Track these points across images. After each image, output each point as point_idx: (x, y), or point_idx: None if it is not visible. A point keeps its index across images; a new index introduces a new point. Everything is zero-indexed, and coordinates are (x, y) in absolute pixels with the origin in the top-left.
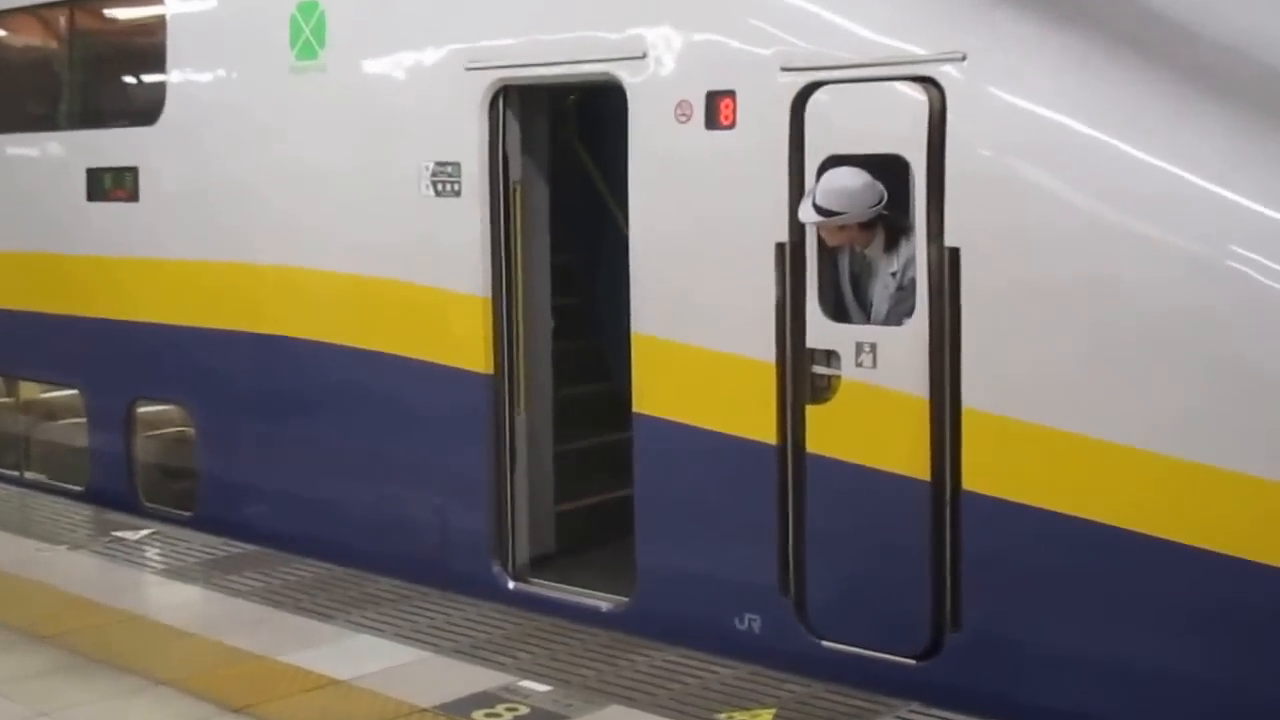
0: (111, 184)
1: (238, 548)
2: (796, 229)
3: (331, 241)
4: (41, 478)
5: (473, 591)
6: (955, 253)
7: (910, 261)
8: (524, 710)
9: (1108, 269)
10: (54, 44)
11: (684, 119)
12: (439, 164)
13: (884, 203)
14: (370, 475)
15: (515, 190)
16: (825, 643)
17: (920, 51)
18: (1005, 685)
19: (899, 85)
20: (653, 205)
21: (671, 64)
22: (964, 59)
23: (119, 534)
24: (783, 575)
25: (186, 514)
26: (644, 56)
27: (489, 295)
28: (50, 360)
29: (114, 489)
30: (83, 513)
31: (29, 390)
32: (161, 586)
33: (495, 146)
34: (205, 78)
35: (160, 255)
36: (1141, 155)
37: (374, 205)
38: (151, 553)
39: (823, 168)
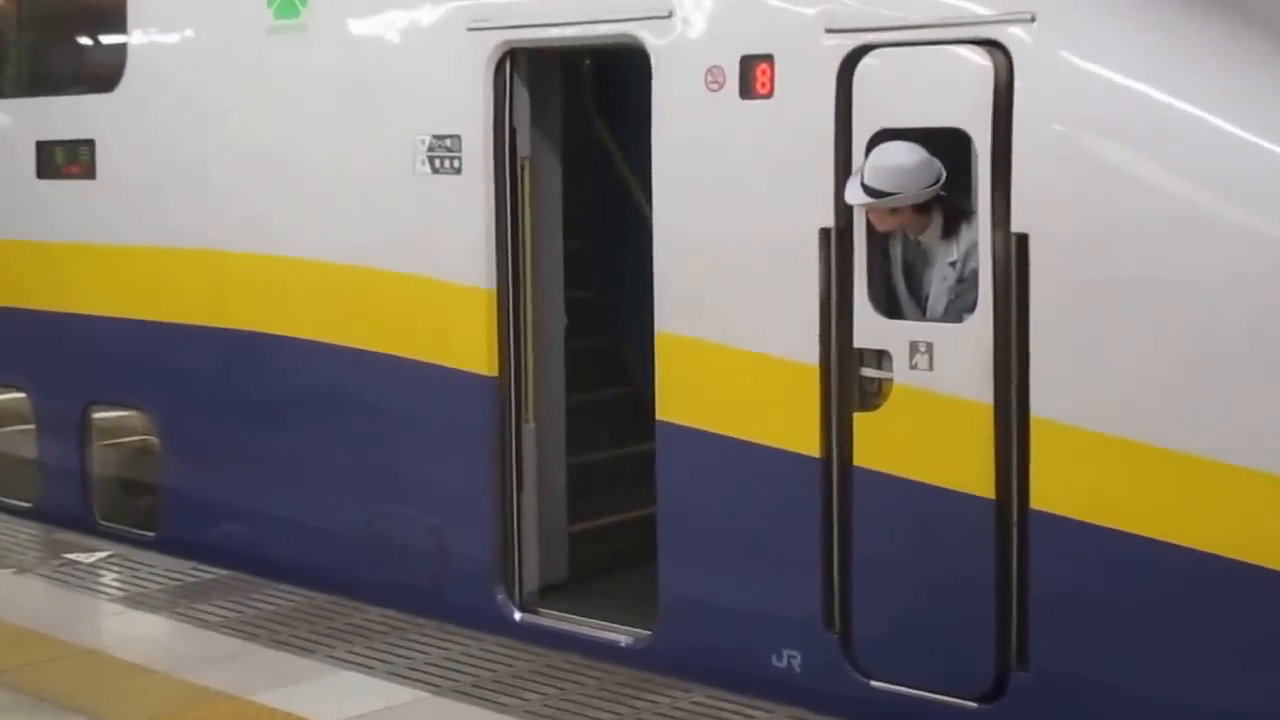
0: (64, 159)
1: (207, 573)
2: (843, 212)
3: (314, 225)
4: None
5: (474, 623)
6: (1023, 240)
7: (972, 250)
8: None
9: (1202, 260)
10: None
11: (715, 87)
12: (437, 137)
13: (942, 183)
14: (357, 492)
15: (523, 167)
16: (874, 683)
17: (984, 11)
18: None
19: (960, 49)
20: (680, 185)
21: (701, 24)
22: (1033, 20)
23: (72, 556)
24: (826, 606)
25: (149, 534)
26: (670, 16)
27: (493, 287)
28: None
29: (66, 505)
30: (30, 532)
31: None
32: (120, 617)
33: (501, 117)
34: (171, 39)
35: (119, 240)
36: (1237, 130)
37: (362, 184)
38: (108, 578)
39: (873, 143)
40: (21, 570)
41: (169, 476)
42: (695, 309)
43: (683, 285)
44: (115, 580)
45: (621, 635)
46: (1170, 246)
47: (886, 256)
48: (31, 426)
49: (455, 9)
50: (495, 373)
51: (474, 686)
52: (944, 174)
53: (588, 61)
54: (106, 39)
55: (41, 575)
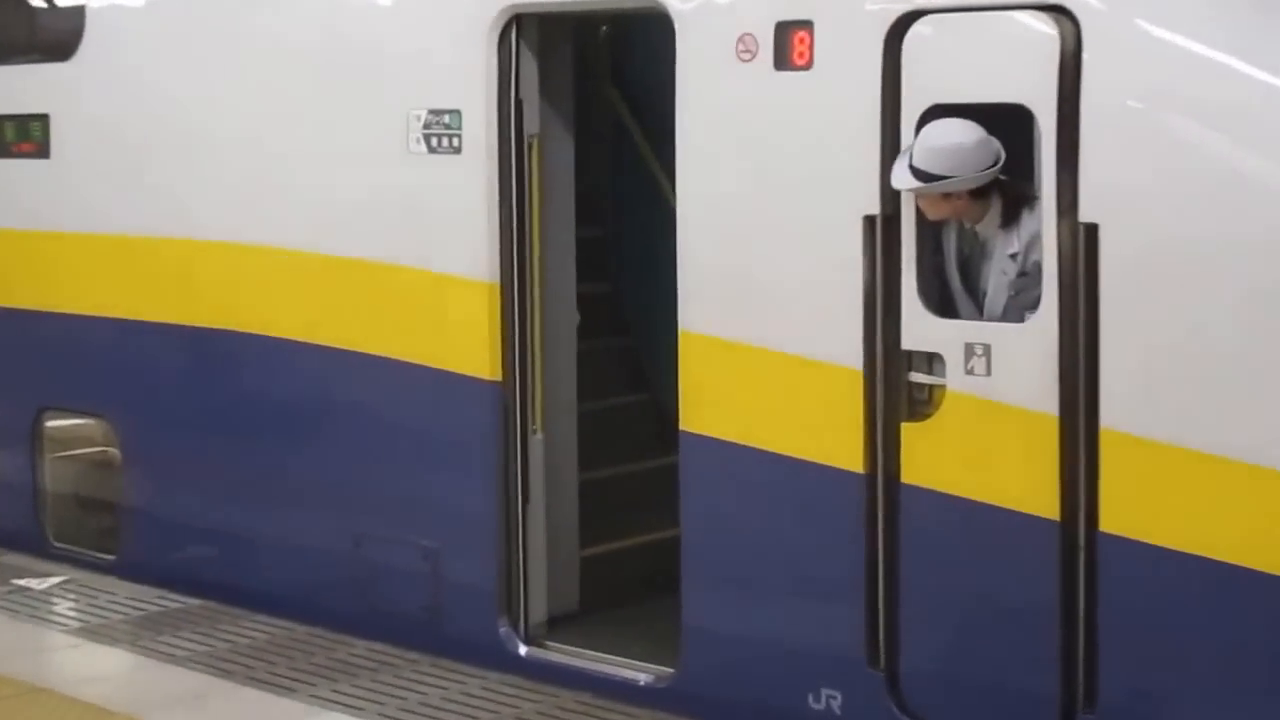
0: (15, 136)
1: (173, 601)
2: (890, 198)
3: (294, 211)
4: None
5: (474, 658)
6: (1092, 230)
7: (1035, 241)
8: None
9: None
10: None
11: (747, 57)
12: (433, 112)
13: (1001, 165)
14: (343, 511)
15: (531, 146)
16: None
17: None
18: None
19: (1022, 15)
20: (706, 168)
21: None
22: None
23: (21, 582)
24: (870, 641)
25: (108, 557)
26: None
27: (496, 280)
28: None
29: (15, 525)
30: None
31: None
32: (75, 650)
33: (506, 91)
34: (135, 2)
35: (76, 227)
36: None
37: (349, 165)
38: (63, 607)
39: (923, 120)
40: None
41: (131, 493)
42: (723, 306)
43: (710, 279)
44: (70, 609)
45: (640, 673)
46: (1262, 240)
47: (939, 248)
48: None
49: None
50: (498, 377)
51: None
52: (1003, 155)
53: (604, 28)
54: (63, 1)
55: None
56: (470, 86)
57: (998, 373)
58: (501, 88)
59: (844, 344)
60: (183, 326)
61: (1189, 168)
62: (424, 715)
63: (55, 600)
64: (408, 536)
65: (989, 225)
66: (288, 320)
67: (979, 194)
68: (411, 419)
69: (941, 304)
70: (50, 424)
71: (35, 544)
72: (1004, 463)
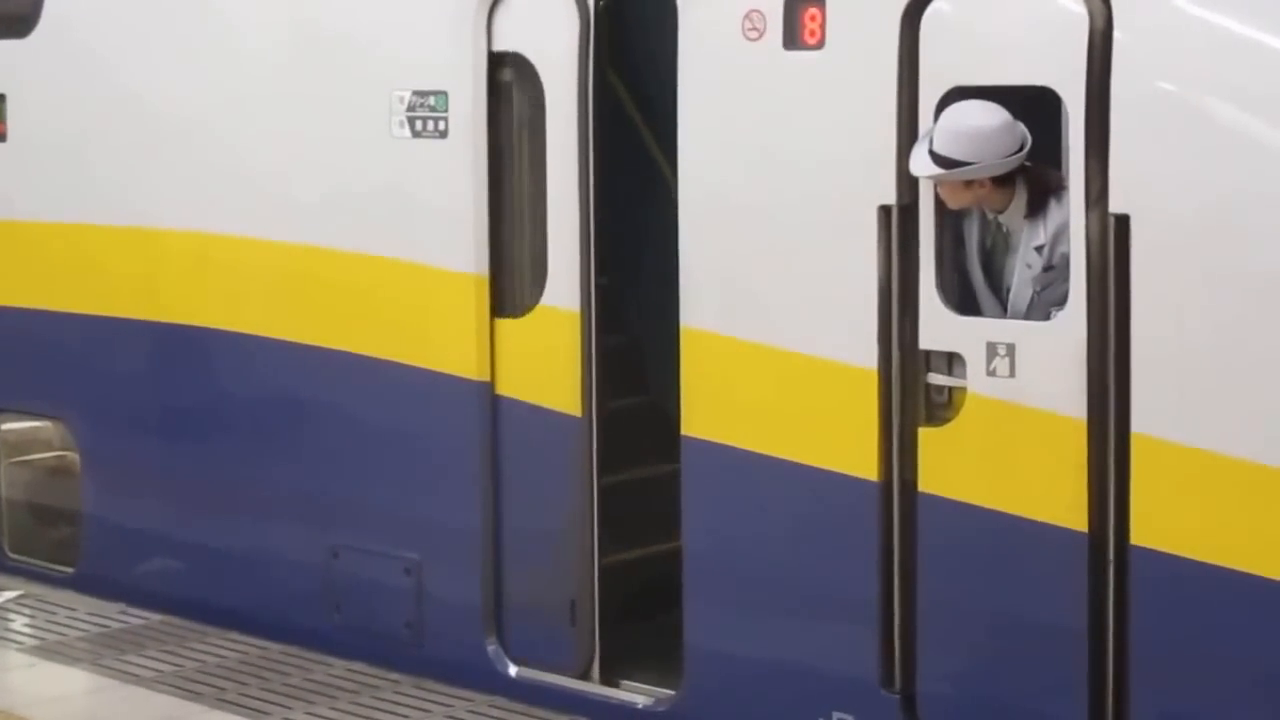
0: None
1: (137, 617)
2: (907, 186)
3: (267, 199)
4: None
5: (460, 679)
6: (1124, 221)
7: (1062, 232)
8: None
9: None
10: None
11: (754, 36)
12: (418, 94)
13: (1026, 151)
14: (319, 521)
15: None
16: None
17: None
18: None
19: None
20: (711, 153)
21: None
22: None
23: None
24: (885, 661)
25: (66, 570)
26: None
27: (485, 273)
28: None
29: None
30: None
31: None
32: (31, 670)
33: (496, 71)
34: None
35: (33, 215)
36: None
37: (327, 149)
38: (18, 623)
39: (944, 103)
40: None
41: (91, 501)
42: (728, 301)
43: (714, 272)
44: (26, 626)
45: (639, 695)
46: None
47: (959, 240)
48: None
49: None
50: (486, 376)
51: None
52: (1029, 140)
53: (601, 3)
54: None
55: None
56: (458, 66)
57: (1022, 374)
58: (491, 68)
59: (857, 343)
60: (145, 322)
61: (1225, 156)
62: None
63: (10, 616)
64: (388, 549)
65: (1014, 215)
66: (258, 315)
67: (1003, 181)
68: (392, 422)
69: (962, 300)
70: (4, 427)
71: None
72: (1028, 470)
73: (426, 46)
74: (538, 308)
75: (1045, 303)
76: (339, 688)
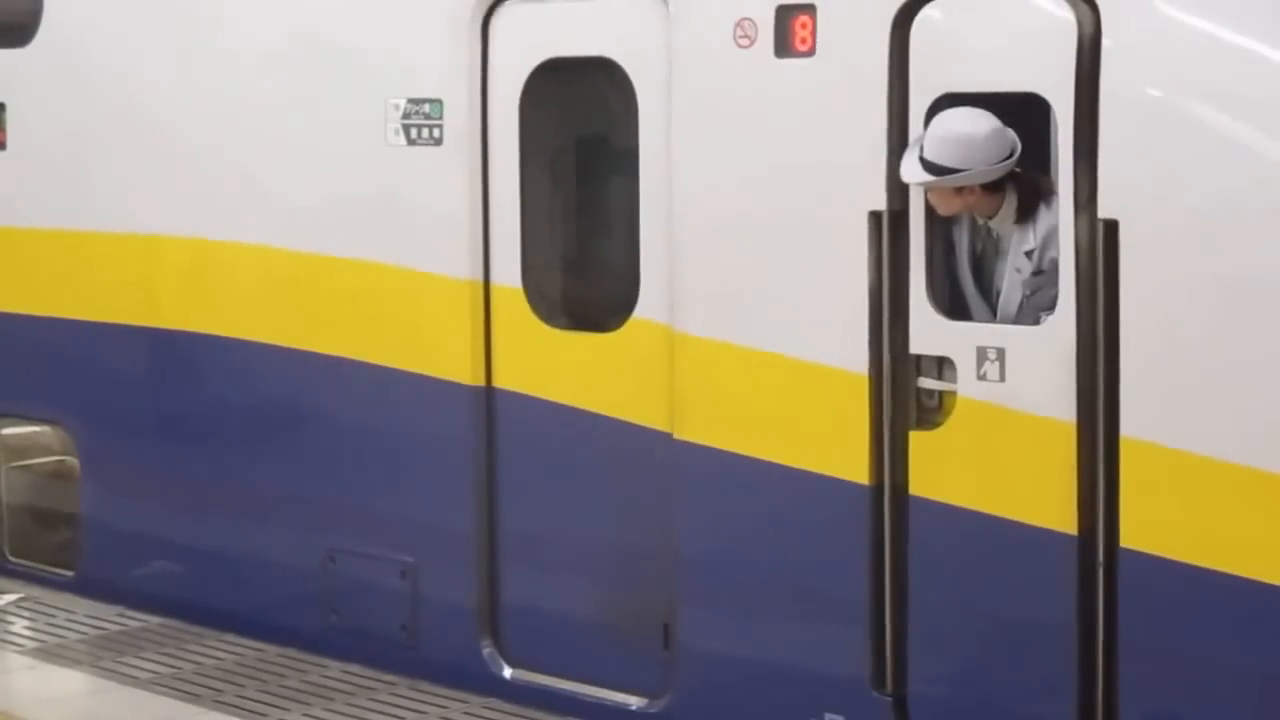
0: None
1: (135, 620)
2: (898, 192)
3: (264, 206)
4: None
5: (455, 681)
6: (1112, 227)
7: (1052, 237)
8: None
9: None
10: None
11: (746, 43)
12: (413, 101)
13: (1016, 157)
14: (315, 524)
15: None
16: None
17: None
18: None
19: None
20: (702, 159)
21: None
22: None
23: None
24: (876, 663)
25: (66, 574)
26: None
27: (479, 278)
28: None
29: None
30: None
31: None
32: (32, 672)
33: (489, 78)
34: None
35: (32, 222)
36: None
37: (322, 157)
38: (19, 626)
39: (934, 110)
40: None
41: (90, 505)
42: (719, 306)
43: (704, 277)
44: (26, 629)
45: (633, 697)
46: None
47: (950, 245)
48: None
49: None
50: (480, 381)
51: None
52: (1019, 147)
53: None
54: None
55: None
56: (452, 73)
57: (1012, 378)
58: (485, 75)
59: (848, 347)
60: (143, 329)
61: (1213, 161)
62: None
63: (10, 619)
64: (384, 551)
65: (1004, 220)
66: (255, 322)
67: (993, 187)
68: (387, 426)
69: (952, 305)
70: (4, 432)
71: None
72: (1018, 474)
73: (421, 54)
74: (630, 321)
75: (1035, 307)
76: (335, 690)
